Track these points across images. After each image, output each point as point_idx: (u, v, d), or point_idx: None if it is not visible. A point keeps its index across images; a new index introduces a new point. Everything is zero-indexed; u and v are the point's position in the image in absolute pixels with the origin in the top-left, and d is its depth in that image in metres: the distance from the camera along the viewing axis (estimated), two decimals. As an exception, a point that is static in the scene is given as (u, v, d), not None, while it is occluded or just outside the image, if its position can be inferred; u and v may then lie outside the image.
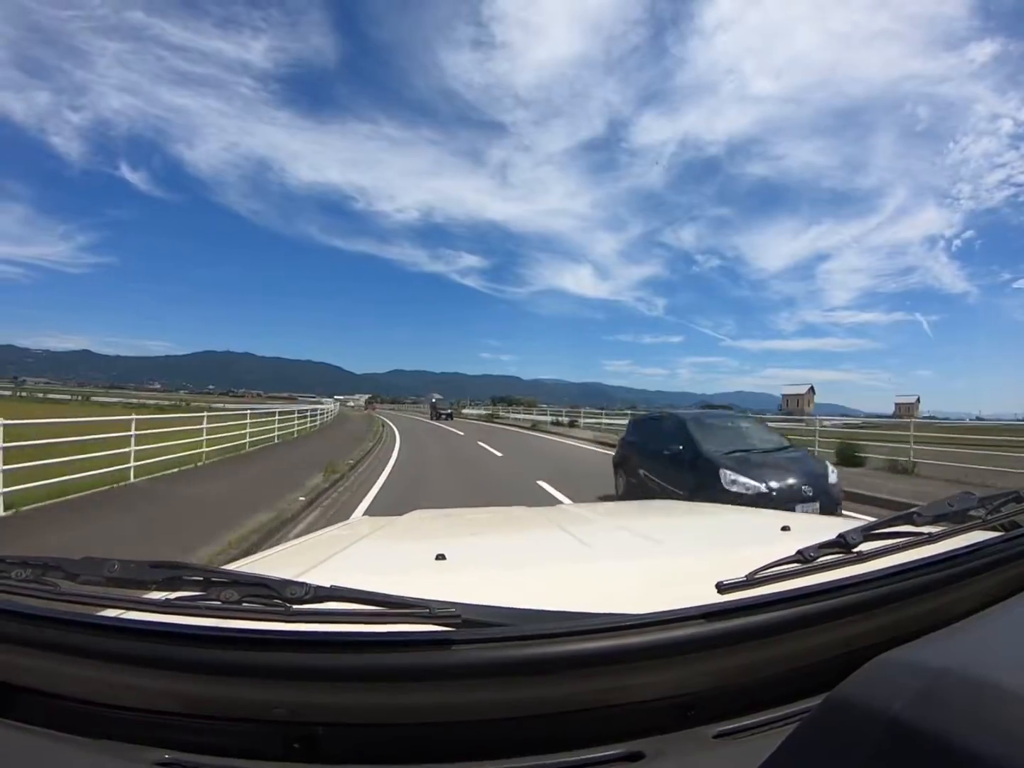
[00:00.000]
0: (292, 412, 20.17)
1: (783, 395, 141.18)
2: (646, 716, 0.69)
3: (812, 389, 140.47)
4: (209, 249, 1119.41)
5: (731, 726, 0.69)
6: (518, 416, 42.45)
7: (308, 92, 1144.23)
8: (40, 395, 59.40)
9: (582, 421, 29.96)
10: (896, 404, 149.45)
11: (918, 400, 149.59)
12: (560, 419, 32.73)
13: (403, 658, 0.64)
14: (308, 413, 23.47)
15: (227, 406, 22.18)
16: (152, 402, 52.21)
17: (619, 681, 0.67)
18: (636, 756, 0.65)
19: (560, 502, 7.26)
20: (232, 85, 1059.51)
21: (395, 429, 26.74)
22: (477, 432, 25.66)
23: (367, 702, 0.65)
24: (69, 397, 59.89)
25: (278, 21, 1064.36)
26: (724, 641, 0.68)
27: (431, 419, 40.89)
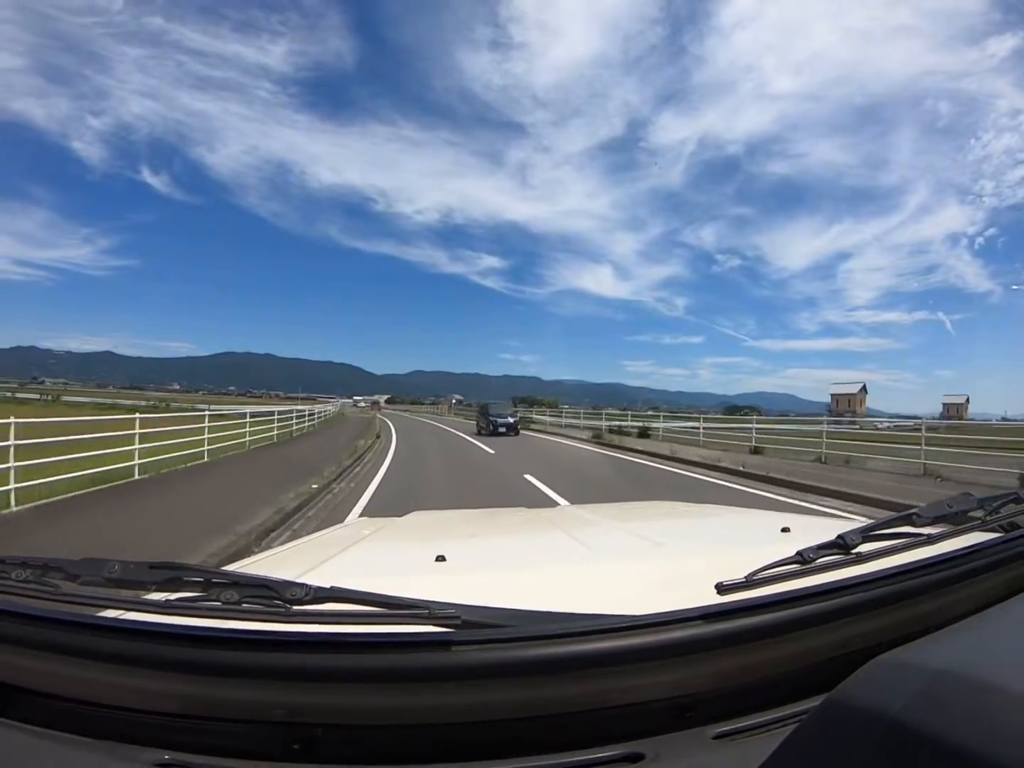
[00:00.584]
0: (245, 417, 13.12)
1: (832, 395, 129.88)
2: (646, 717, 0.69)
3: (864, 388, 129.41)
4: (230, 251, 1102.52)
5: (730, 727, 0.69)
6: (556, 419, 32.79)
7: (328, 95, 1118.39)
8: (8, 394, 53.23)
9: (659, 428, 21.20)
10: (944, 404, 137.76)
11: (967, 400, 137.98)
12: (621, 425, 23.67)
13: (403, 659, 0.63)
14: (289, 415, 18.73)
15: (211, 407, 17.04)
16: (128, 402, 46.02)
17: (619, 682, 0.67)
18: (635, 757, 0.64)
19: None
20: (252, 89, 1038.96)
21: (392, 439, 18.74)
22: (512, 449, 16.60)
23: (366, 703, 0.65)
24: (37, 396, 53.21)
25: (296, 25, 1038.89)
26: (724, 642, 0.68)
27: (479, 434, 23.43)
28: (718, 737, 0.68)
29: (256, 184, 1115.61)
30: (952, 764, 0.44)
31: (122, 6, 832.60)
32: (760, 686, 0.73)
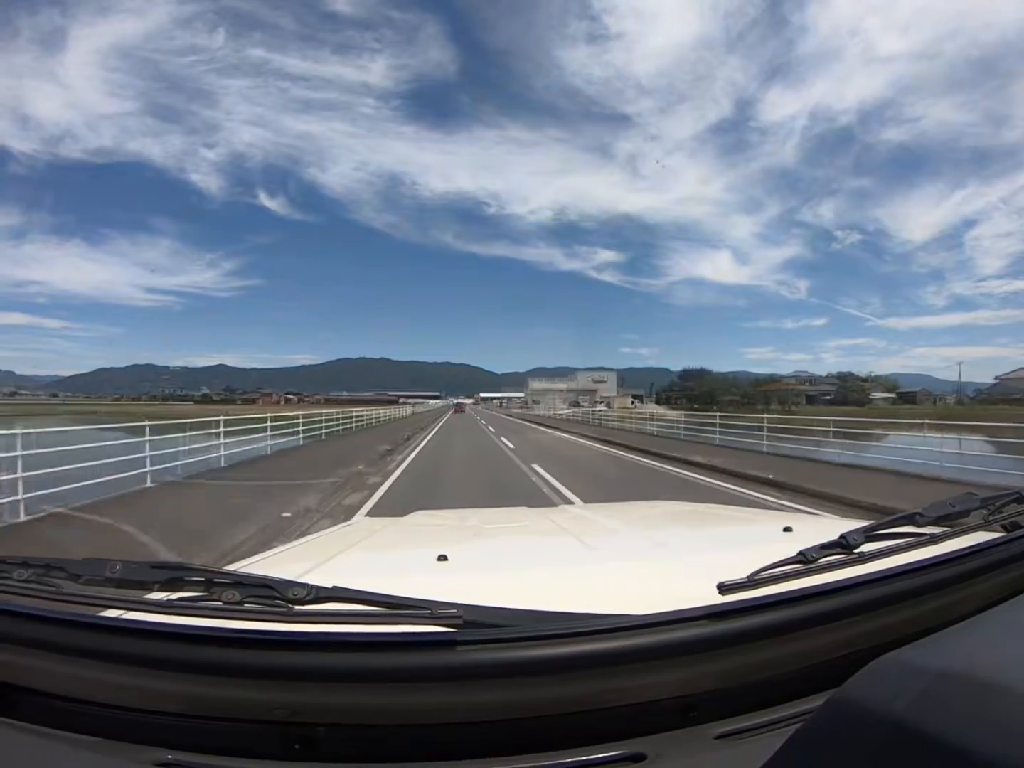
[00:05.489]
0: None
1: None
2: (648, 716, 0.69)
3: None
4: (348, 264, 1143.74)
5: (733, 727, 0.69)
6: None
7: (432, 105, 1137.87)
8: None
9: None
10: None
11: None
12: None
13: (403, 659, 0.64)
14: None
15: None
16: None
17: (621, 682, 0.67)
18: (638, 757, 0.65)
19: None
20: (357, 107, 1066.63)
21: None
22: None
23: (367, 703, 0.65)
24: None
25: (392, 40, 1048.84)
26: (726, 642, 0.68)
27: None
28: (720, 737, 0.68)
29: (370, 198, 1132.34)
30: (955, 764, 0.44)
31: (222, 42, 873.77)
32: (762, 686, 0.73)
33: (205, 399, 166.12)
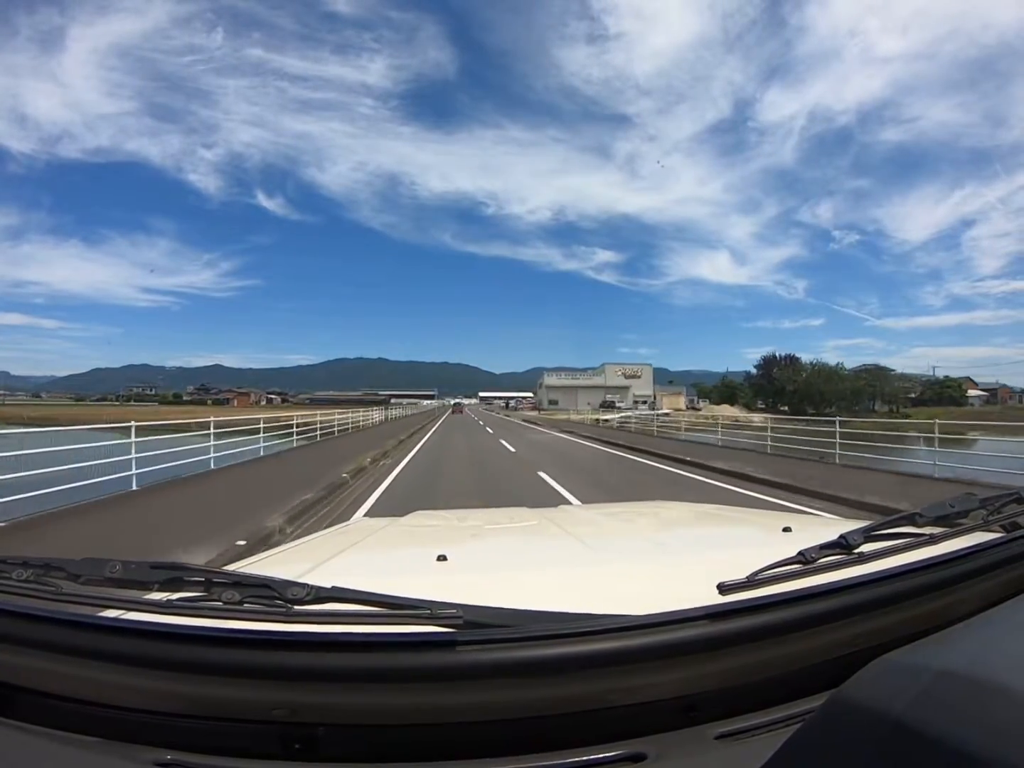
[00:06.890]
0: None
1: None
2: (648, 716, 0.69)
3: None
4: (346, 264, 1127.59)
5: (733, 727, 0.69)
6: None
7: (431, 105, 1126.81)
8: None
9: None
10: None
11: None
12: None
13: (403, 659, 0.64)
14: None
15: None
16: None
17: (622, 682, 0.67)
18: (638, 757, 0.65)
19: None
20: (355, 107, 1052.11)
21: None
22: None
23: (367, 703, 0.66)
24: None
25: (391, 40, 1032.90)
26: (726, 642, 0.68)
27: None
28: (720, 737, 0.68)
29: (368, 198, 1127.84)
30: (954, 764, 0.44)
31: (220, 42, 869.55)
32: (762, 686, 0.73)
33: (176, 399, 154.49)
